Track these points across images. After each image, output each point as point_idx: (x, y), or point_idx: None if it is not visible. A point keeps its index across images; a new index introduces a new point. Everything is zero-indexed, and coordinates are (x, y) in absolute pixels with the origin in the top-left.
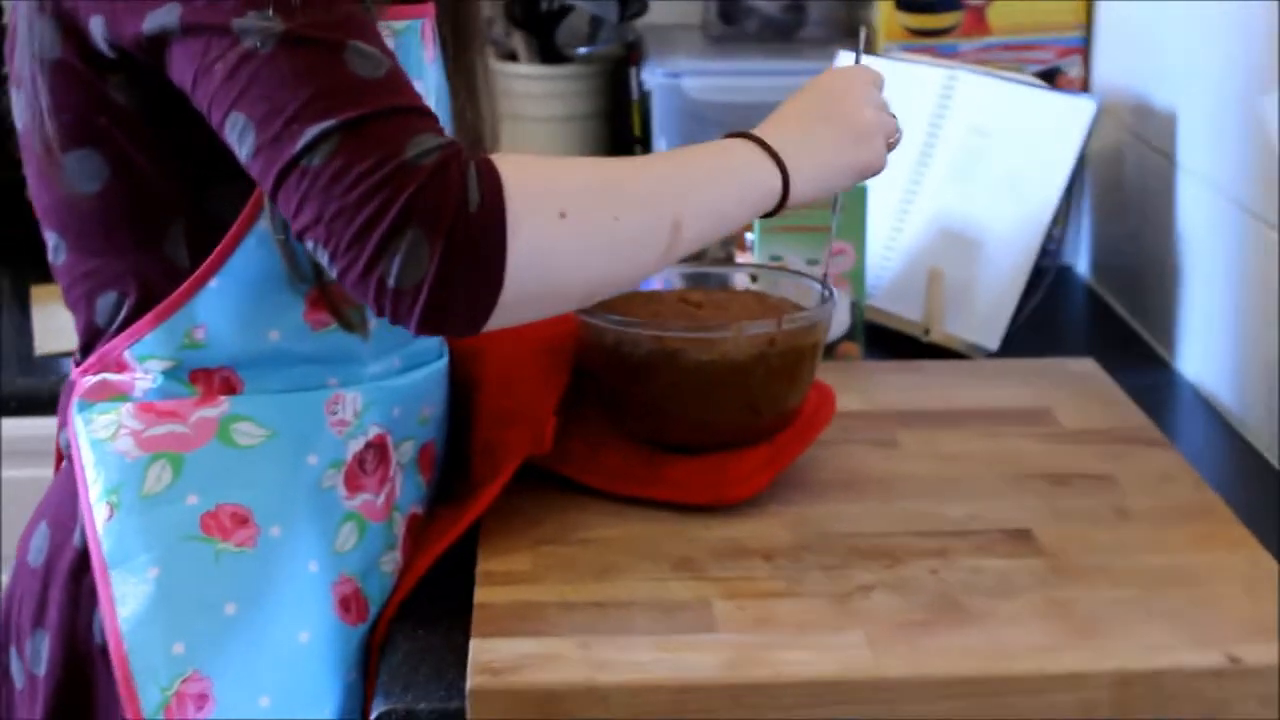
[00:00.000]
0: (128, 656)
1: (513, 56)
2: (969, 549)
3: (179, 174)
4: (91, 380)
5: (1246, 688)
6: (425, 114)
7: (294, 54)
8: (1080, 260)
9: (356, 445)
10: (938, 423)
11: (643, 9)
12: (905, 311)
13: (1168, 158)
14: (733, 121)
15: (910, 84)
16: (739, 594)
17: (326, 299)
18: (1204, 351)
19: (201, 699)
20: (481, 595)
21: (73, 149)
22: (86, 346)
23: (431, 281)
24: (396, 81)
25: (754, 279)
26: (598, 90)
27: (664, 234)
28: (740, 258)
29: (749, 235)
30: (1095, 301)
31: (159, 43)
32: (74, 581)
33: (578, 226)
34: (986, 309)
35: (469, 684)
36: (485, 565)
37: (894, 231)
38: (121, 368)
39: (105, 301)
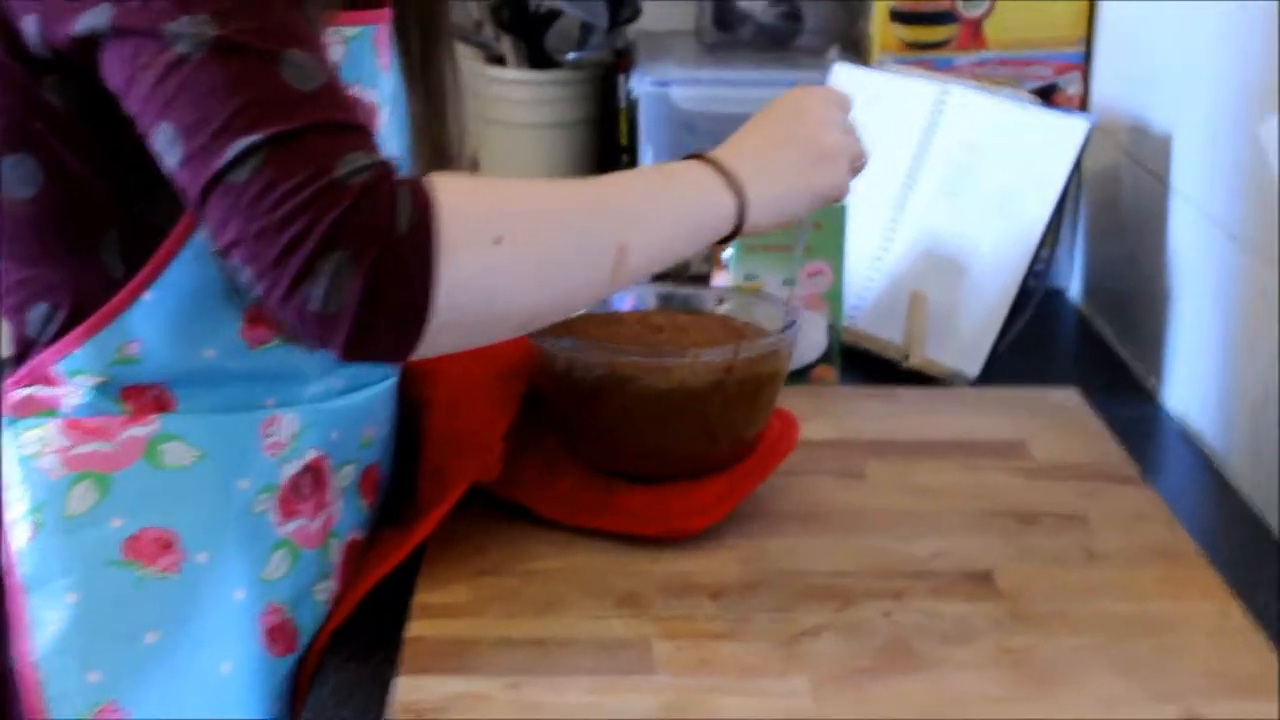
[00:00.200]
0: (41, 684)
1: (501, 60)
2: (926, 590)
3: (115, 180)
4: (20, 394)
5: None
6: (360, 130)
7: (225, 62)
8: (1073, 284)
9: (292, 469)
10: (909, 454)
11: (635, 14)
12: (887, 335)
13: (1162, 181)
14: (721, 131)
15: (902, 98)
16: (681, 634)
17: (269, 313)
18: (1189, 385)
19: None
20: (414, 629)
21: (7, 154)
22: (19, 358)
23: (356, 308)
24: (332, 94)
25: (721, 302)
26: (587, 97)
27: (608, 260)
28: (717, 278)
29: (725, 254)
30: (1085, 327)
31: (90, 44)
32: None
33: (514, 252)
34: (969, 334)
35: None
36: (422, 597)
37: (880, 251)
38: (50, 382)
39: (37, 313)
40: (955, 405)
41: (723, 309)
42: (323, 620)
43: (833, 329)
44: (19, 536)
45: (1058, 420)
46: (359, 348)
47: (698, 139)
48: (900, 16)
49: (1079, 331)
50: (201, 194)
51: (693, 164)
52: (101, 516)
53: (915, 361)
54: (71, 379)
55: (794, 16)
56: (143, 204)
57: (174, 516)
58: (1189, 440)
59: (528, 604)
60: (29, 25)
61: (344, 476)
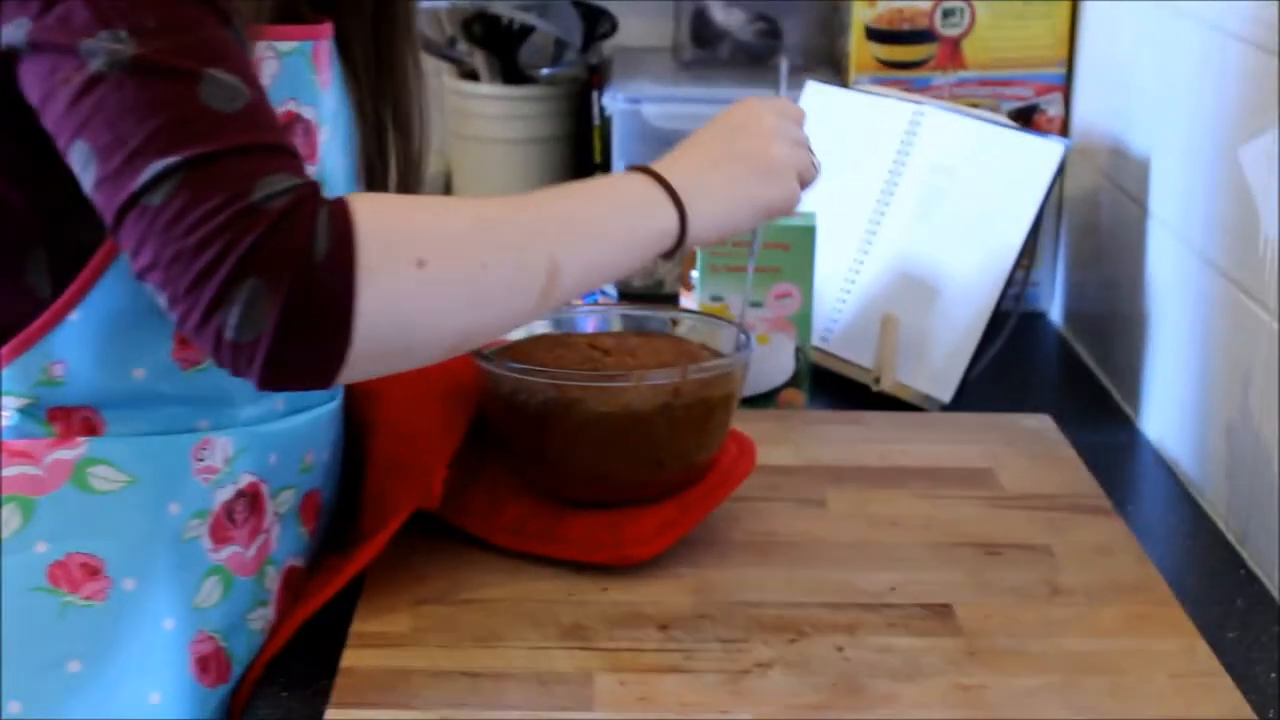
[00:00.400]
0: None
1: (474, 75)
2: (881, 624)
3: (41, 199)
4: None
5: None
6: (284, 151)
7: (143, 82)
8: (1054, 307)
9: (225, 494)
10: (872, 481)
11: (611, 30)
12: (858, 358)
13: (1140, 205)
14: None
15: (876, 118)
16: (626, 667)
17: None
18: (1165, 411)
19: None
20: (349, 659)
21: None
22: None
23: (271, 336)
24: (255, 115)
25: (676, 323)
26: (561, 113)
27: (538, 280)
28: (684, 298)
29: (693, 273)
30: (1066, 352)
31: (9, 59)
32: None
33: (437, 275)
34: (941, 358)
35: None
36: (359, 625)
37: (852, 273)
38: None
39: None
40: (924, 431)
41: (680, 331)
42: (258, 650)
43: (801, 352)
44: None
45: (1029, 448)
46: (276, 376)
47: None
48: (877, 35)
49: (1059, 356)
50: (116, 217)
51: (632, 175)
52: (25, 541)
53: (886, 386)
54: None
55: (773, 34)
56: (71, 223)
57: (101, 542)
58: (1165, 467)
59: (467, 634)
60: None
61: (282, 502)
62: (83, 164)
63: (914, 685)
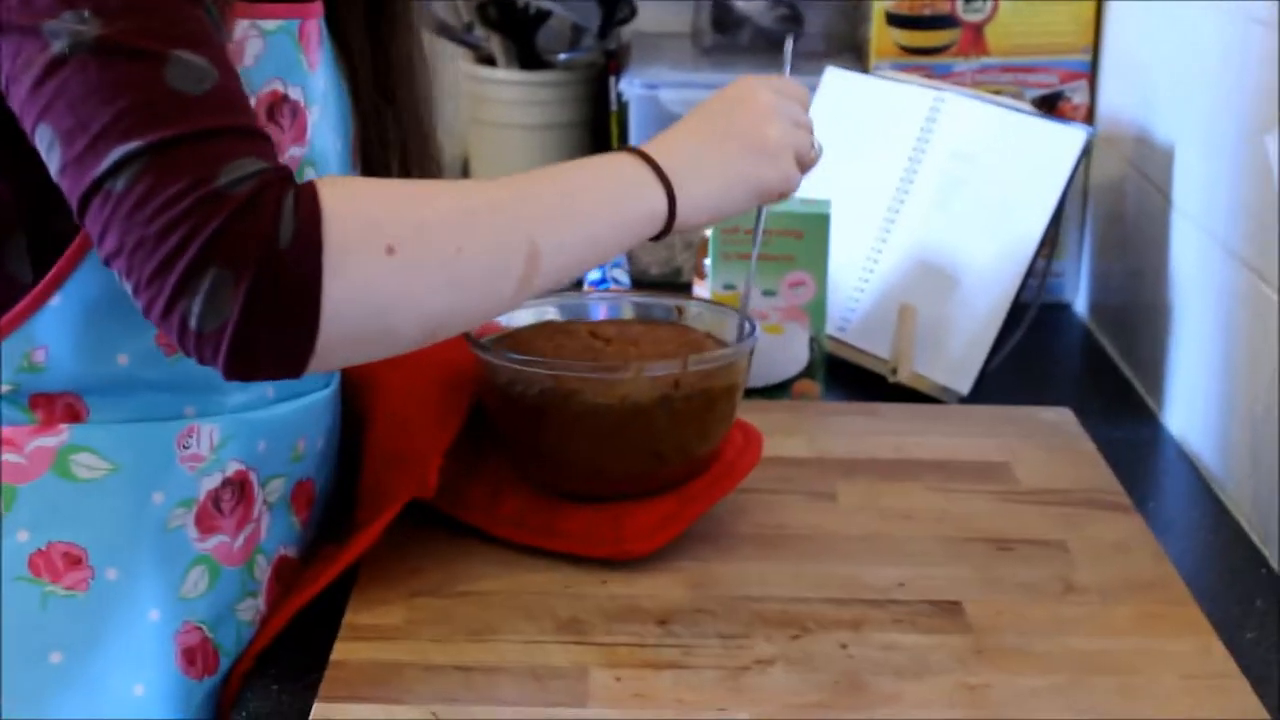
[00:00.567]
0: None
1: (491, 61)
2: (887, 621)
3: (19, 184)
4: None
5: None
6: (251, 135)
7: (107, 64)
8: (1079, 299)
9: (211, 482)
10: (885, 474)
11: (630, 15)
12: (875, 349)
13: (1164, 195)
14: None
15: (896, 105)
16: (621, 663)
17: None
18: (1189, 406)
19: None
20: (339, 652)
21: None
22: None
23: (235, 324)
24: (223, 97)
25: (680, 311)
26: (578, 98)
27: (517, 266)
28: (698, 287)
29: (706, 262)
30: (1089, 344)
31: None
32: None
33: (408, 262)
34: (960, 349)
35: None
36: (352, 617)
37: (869, 262)
38: None
39: None
40: (940, 423)
41: (687, 319)
42: (248, 641)
43: (815, 342)
44: None
45: (1047, 441)
46: (243, 366)
47: None
48: (898, 20)
49: (1083, 348)
50: (80, 203)
51: (619, 156)
52: (6, 530)
53: (903, 377)
54: None
55: (794, 19)
56: (50, 208)
57: (83, 531)
58: (1187, 462)
59: (461, 627)
60: None
61: (272, 491)
62: (47, 148)
63: (918, 684)
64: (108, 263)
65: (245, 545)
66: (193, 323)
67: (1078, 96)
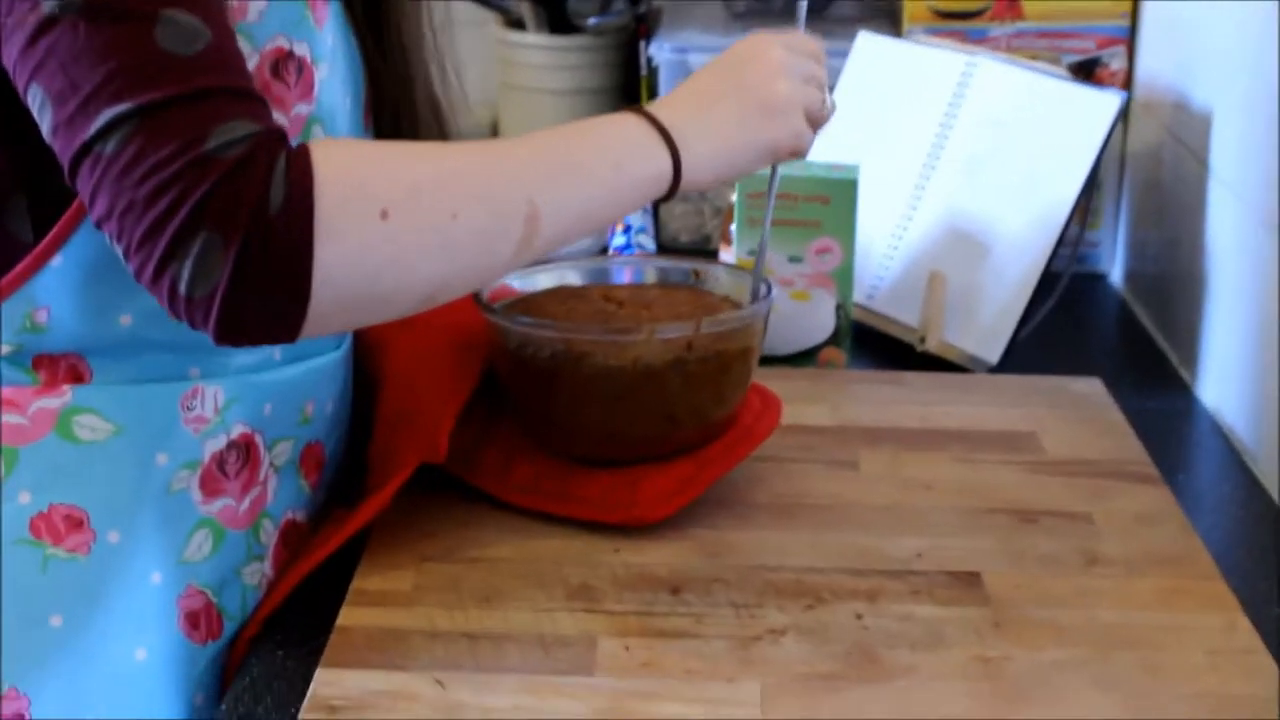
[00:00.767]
0: None
1: (521, 25)
2: (905, 592)
3: (17, 144)
4: None
5: None
6: (244, 96)
7: (97, 24)
8: (1115, 269)
9: (216, 445)
10: (908, 443)
11: None
12: (904, 317)
13: (1202, 162)
14: None
15: (928, 69)
16: (631, 631)
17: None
18: (1223, 378)
19: (16, 719)
20: (345, 617)
21: None
22: None
23: (225, 290)
24: (215, 57)
25: (697, 275)
26: (609, 63)
27: (515, 229)
28: (724, 253)
29: (732, 228)
30: (1125, 315)
31: None
32: None
33: (403, 226)
34: (990, 318)
35: None
36: (360, 583)
37: (899, 229)
38: None
39: None
40: (967, 393)
41: (706, 284)
42: (254, 606)
43: (841, 309)
44: None
45: (1075, 412)
46: (233, 331)
47: None
48: None
49: (1118, 319)
50: (71, 165)
51: (623, 116)
52: (8, 492)
53: (931, 345)
54: None
55: None
56: (50, 168)
57: (85, 493)
58: (1220, 435)
59: (469, 594)
60: None
61: (279, 454)
62: (39, 109)
63: (932, 655)
64: (99, 225)
65: (251, 509)
66: (182, 287)
67: (1116, 62)
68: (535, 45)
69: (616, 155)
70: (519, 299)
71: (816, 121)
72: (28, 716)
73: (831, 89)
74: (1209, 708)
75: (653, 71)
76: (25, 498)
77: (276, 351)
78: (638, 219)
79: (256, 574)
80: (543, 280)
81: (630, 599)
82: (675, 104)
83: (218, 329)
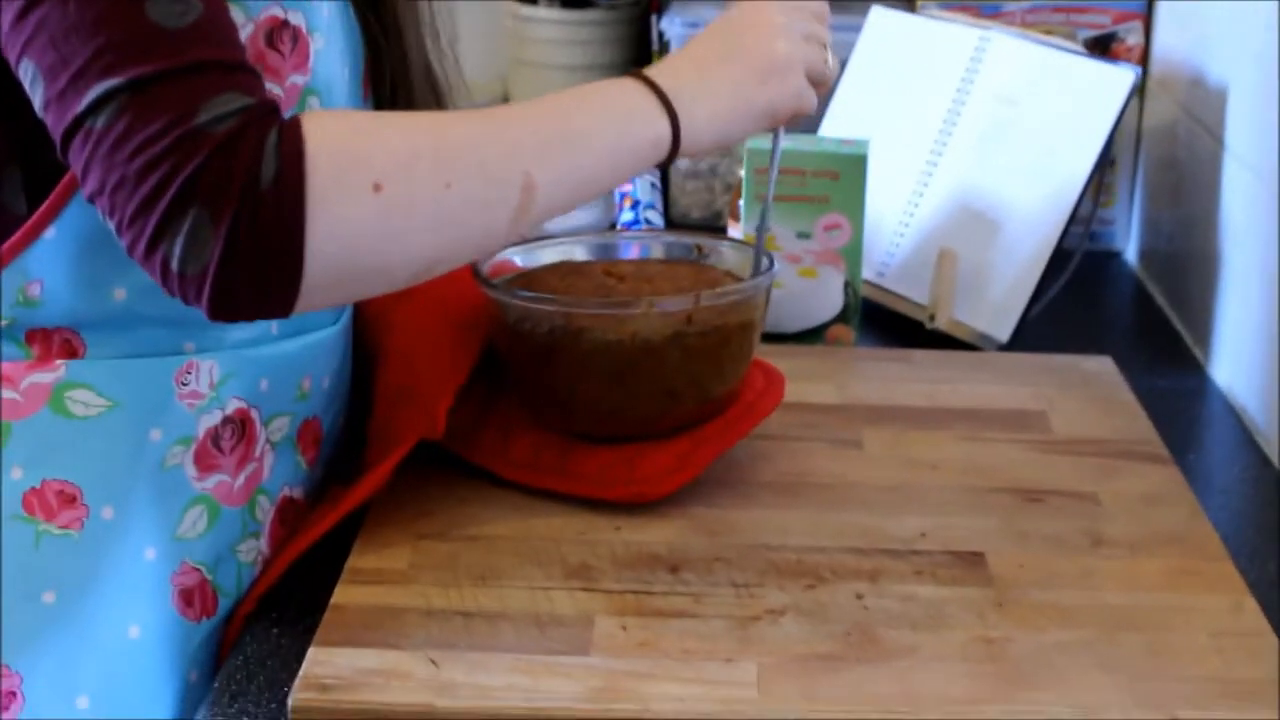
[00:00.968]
0: None
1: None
2: (907, 572)
3: (12, 117)
4: None
5: None
6: (235, 69)
7: None
8: (1129, 247)
9: (211, 420)
10: (914, 422)
11: None
12: (914, 294)
13: (1217, 139)
14: None
15: (940, 44)
16: (629, 610)
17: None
18: (1236, 358)
19: (9, 696)
20: (340, 595)
21: None
22: None
23: (216, 266)
24: (207, 29)
25: (700, 249)
26: (621, 38)
27: (511, 199)
28: (732, 229)
29: (740, 203)
30: (1138, 293)
31: None
32: None
33: (395, 198)
34: (1000, 296)
35: (290, 700)
36: (356, 560)
37: (910, 206)
38: None
39: None
40: (975, 371)
41: (710, 259)
42: (249, 583)
43: (850, 286)
44: None
45: (1085, 391)
46: (226, 307)
47: None
48: None
49: (1132, 297)
50: (63, 140)
51: (621, 81)
52: (1, 468)
53: (941, 323)
54: None
55: None
56: (44, 141)
57: (79, 469)
58: (1233, 415)
59: (466, 572)
60: None
61: (275, 430)
62: (31, 83)
63: (934, 636)
64: (91, 201)
65: (246, 485)
66: (174, 264)
67: (1132, 38)
68: (546, 20)
69: (615, 121)
70: (520, 274)
71: (819, 80)
72: (21, 694)
73: (843, 63)
74: (1214, 690)
75: (664, 46)
76: (18, 473)
77: (273, 326)
78: (646, 194)
79: (252, 551)
80: (546, 256)
81: (629, 578)
82: (674, 68)
83: (210, 305)
